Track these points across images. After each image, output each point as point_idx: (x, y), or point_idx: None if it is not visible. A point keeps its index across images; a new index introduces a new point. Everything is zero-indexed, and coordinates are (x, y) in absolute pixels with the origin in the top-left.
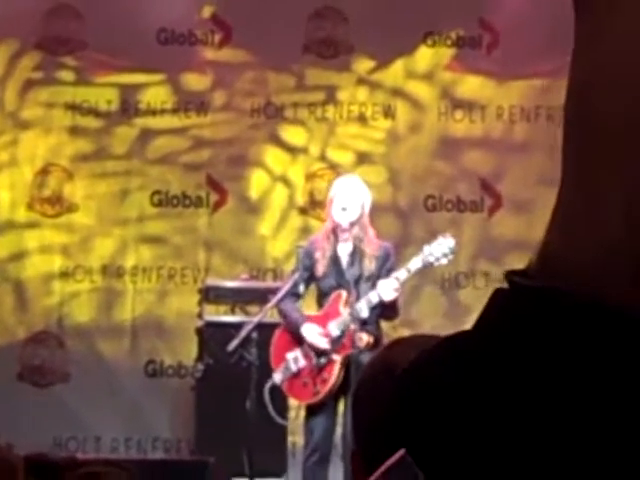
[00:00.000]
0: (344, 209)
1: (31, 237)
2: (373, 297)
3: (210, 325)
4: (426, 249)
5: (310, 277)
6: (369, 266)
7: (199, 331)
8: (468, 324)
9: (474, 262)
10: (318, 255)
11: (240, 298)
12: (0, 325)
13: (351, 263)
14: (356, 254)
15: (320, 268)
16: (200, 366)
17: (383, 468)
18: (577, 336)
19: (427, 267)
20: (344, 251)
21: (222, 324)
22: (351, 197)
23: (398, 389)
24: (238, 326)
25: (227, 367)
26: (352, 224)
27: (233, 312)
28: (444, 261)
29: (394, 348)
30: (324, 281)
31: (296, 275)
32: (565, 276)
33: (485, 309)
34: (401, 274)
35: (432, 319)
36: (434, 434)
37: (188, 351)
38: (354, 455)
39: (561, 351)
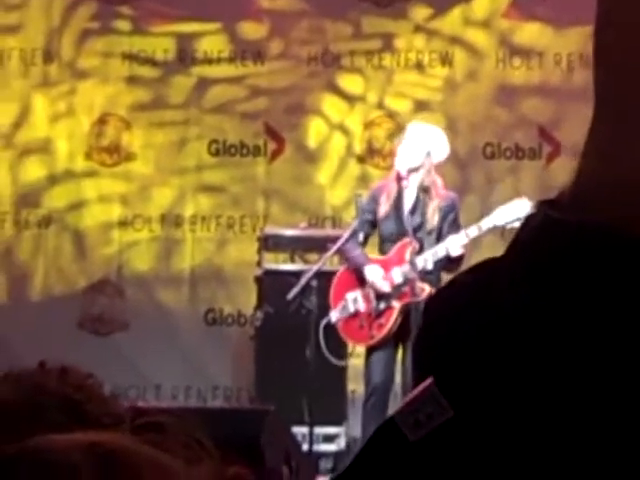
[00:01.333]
0: (404, 155)
1: (89, 186)
2: (440, 250)
3: (269, 273)
4: (500, 210)
5: (373, 222)
6: (432, 216)
7: (258, 280)
8: None
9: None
10: (382, 199)
11: (299, 246)
12: (60, 274)
13: (412, 211)
14: (419, 202)
15: (382, 212)
16: (259, 314)
17: (409, 397)
18: (608, 271)
19: (498, 229)
20: (408, 198)
21: (281, 272)
22: (413, 144)
23: (426, 318)
24: (297, 274)
25: (286, 315)
26: (410, 171)
27: (292, 260)
28: (517, 224)
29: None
30: (384, 225)
31: (355, 222)
32: (597, 209)
33: (515, 240)
34: (472, 231)
35: None
36: (462, 364)
37: (247, 299)
38: None
39: (593, 287)
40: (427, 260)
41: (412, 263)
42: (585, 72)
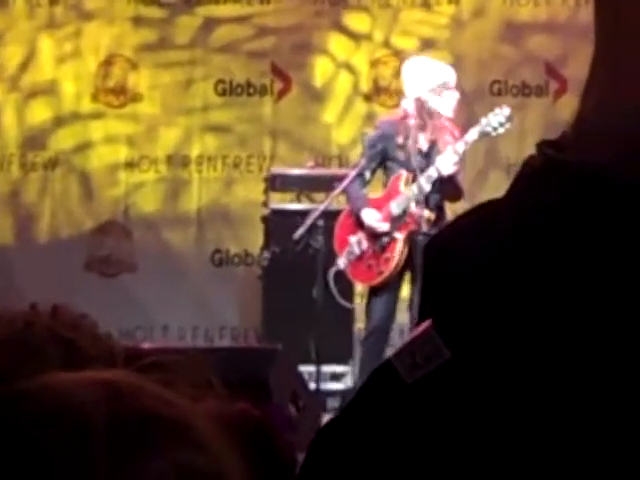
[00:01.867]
0: (407, 93)
1: (96, 128)
2: (432, 172)
3: (276, 213)
4: (483, 120)
5: (382, 157)
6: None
7: (265, 219)
8: None
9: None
10: (398, 139)
11: (306, 186)
12: (67, 216)
13: (427, 152)
14: (435, 145)
15: (393, 150)
16: (266, 254)
17: (407, 339)
18: (605, 211)
19: (484, 136)
20: (423, 140)
21: (288, 212)
22: (414, 81)
23: (427, 258)
24: (304, 214)
25: (293, 255)
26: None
27: (299, 200)
28: (501, 130)
29: (458, 220)
30: (394, 165)
31: (363, 161)
32: (596, 150)
33: (516, 180)
34: (459, 146)
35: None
36: (461, 306)
37: (254, 239)
38: None
39: (591, 225)
40: (422, 184)
41: (410, 192)
42: (591, 8)
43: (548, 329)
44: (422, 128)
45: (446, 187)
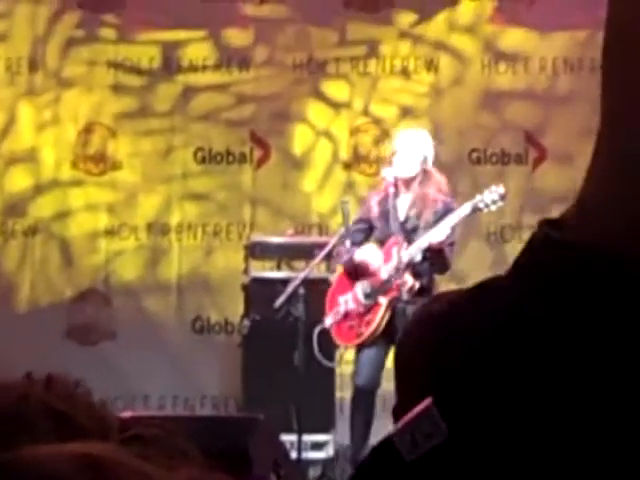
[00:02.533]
0: (403, 164)
1: (76, 195)
2: (423, 242)
3: (256, 281)
4: (478, 196)
5: (369, 228)
6: (426, 217)
7: (245, 287)
8: None
9: (519, 215)
10: (375, 206)
11: (286, 254)
12: (47, 283)
13: (408, 216)
14: (415, 206)
15: (376, 218)
16: (247, 322)
17: (408, 416)
18: (606, 293)
19: (476, 212)
20: (403, 203)
21: (268, 280)
22: (408, 153)
23: (430, 335)
24: (284, 282)
25: (274, 323)
26: (411, 179)
27: (279, 268)
28: (493, 207)
29: (440, 299)
30: (380, 230)
31: (341, 230)
32: (596, 231)
33: (518, 259)
34: (451, 219)
35: (478, 272)
36: (463, 385)
37: (234, 307)
38: (394, 411)
39: (591, 307)
40: (412, 254)
41: (400, 260)
42: (570, 77)
43: (542, 411)
44: (404, 192)
45: (434, 258)
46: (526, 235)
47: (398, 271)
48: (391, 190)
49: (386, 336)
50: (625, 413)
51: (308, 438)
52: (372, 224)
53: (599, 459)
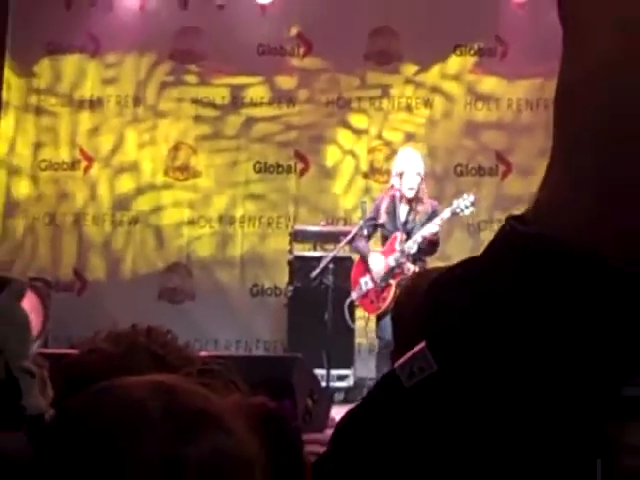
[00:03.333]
0: (409, 182)
1: (166, 195)
2: (418, 238)
3: (298, 258)
4: (454, 202)
5: (376, 225)
6: (420, 219)
7: (290, 263)
8: None
9: (491, 212)
10: (383, 210)
11: (320, 238)
12: (144, 259)
13: (407, 218)
14: (412, 212)
15: (384, 219)
16: (291, 288)
17: (407, 355)
18: (557, 270)
19: (454, 216)
20: (404, 210)
21: (307, 258)
22: (414, 171)
23: (426, 299)
24: (318, 259)
25: (311, 289)
26: (410, 189)
27: (315, 249)
28: (467, 212)
29: (422, 275)
30: (386, 229)
31: (361, 222)
32: (549, 225)
33: (491, 244)
34: (437, 221)
35: (460, 255)
36: (448, 333)
37: (282, 277)
38: (392, 353)
39: (548, 280)
40: (410, 247)
41: (402, 250)
42: (530, 113)
43: (503, 356)
44: (403, 201)
45: (427, 247)
46: (496, 227)
47: (402, 259)
48: (397, 194)
49: None
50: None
51: (334, 372)
52: (379, 222)
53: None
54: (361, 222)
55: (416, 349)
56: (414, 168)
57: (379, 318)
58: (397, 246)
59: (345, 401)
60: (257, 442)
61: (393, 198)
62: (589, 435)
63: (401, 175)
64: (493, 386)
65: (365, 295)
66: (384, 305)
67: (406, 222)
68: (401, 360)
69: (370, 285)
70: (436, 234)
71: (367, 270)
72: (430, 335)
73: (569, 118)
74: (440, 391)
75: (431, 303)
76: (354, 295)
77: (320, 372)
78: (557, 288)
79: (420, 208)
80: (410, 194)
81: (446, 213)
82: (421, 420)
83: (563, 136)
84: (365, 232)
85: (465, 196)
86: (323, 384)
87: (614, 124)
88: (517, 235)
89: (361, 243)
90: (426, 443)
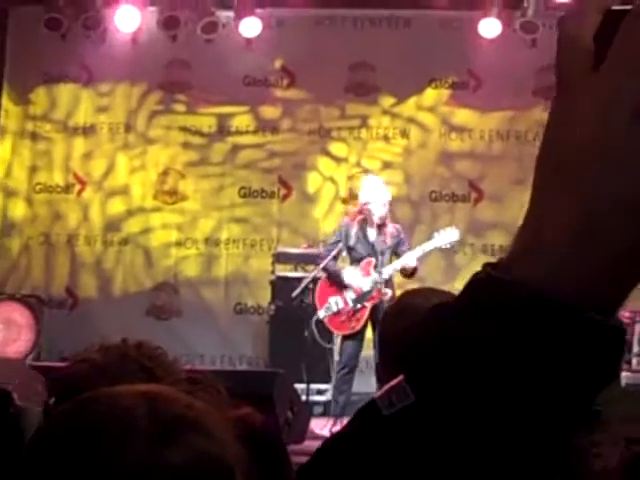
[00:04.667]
0: (377, 211)
1: (155, 218)
2: (397, 265)
3: (280, 278)
4: (438, 237)
5: (345, 247)
6: (388, 242)
7: (272, 283)
8: (459, 280)
9: (464, 236)
10: (354, 234)
11: (301, 260)
12: (134, 278)
13: (376, 241)
14: (380, 235)
15: (353, 242)
16: (272, 307)
17: (386, 386)
18: (527, 321)
19: (436, 249)
20: (372, 233)
21: (288, 278)
22: (381, 202)
23: (406, 336)
24: (299, 279)
25: (291, 308)
26: (382, 219)
27: (296, 270)
28: (448, 245)
29: (407, 295)
30: (356, 252)
31: (340, 245)
32: (521, 273)
33: (466, 289)
34: (417, 252)
35: (435, 275)
36: (424, 368)
37: (264, 296)
38: (377, 365)
39: (513, 331)
40: (387, 272)
41: (379, 273)
42: (501, 144)
43: (476, 395)
44: (373, 225)
45: (407, 273)
46: (468, 250)
47: (377, 284)
48: (363, 224)
49: (365, 326)
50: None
51: (313, 386)
52: (348, 245)
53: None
54: (339, 245)
55: (395, 381)
56: (381, 199)
57: (344, 338)
58: (372, 270)
59: (324, 414)
60: (239, 448)
61: (361, 223)
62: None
63: (367, 204)
64: (465, 419)
65: (336, 314)
66: (358, 325)
67: (374, 245)
68: (380, 391)
69: (341, 305)
70: (415, 264)
71: (339, 290)
72: (408, 370)
73: (547, 178)
74: (418, 419)
75: (409, 339)
76: (321, 314)
77: (300, 386)
78: (525, 334)
79: (387, 230)
80: (379, 222)
81: (429, 245)
82: (398, 447)
83: (539, 195)
84: (331, 254)
85: (449, 230)
86: (303, 397)
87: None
88: (491, 280)
89: (333, 265)
90: (403, 469)
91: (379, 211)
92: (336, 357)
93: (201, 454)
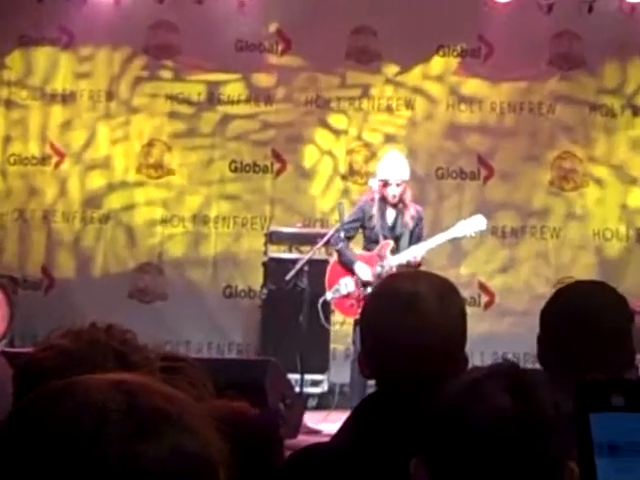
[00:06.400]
0: (394, 189)
1: (139, 193)
2: (407, 255)
3: (273, 260)
4: (461, 224)
5: (361, 226)
6: (408, 224)
7: (264, 264)
8: (465, 265)
9: (472, 216)
10: (374, 213)
11: (295, 240)
12: (116, 258)
13: (395, 222)
14: (399, 216)
15: (373, 222)
16: (265, 290)
17: None
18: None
19: (458, 239)
20: (391, 213)
21: (282, 259)
22: (400, 179)
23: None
24: (293, 261)
25: (285, 291)
26: (396, 197)
27: (290, 251)
28: (473, 234)
29: (390, 277)
30: (373, 232)
31: (338, 225)
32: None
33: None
34: (438, 240)
35: (440, 259)
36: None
37: (256, 279)
38: (358, 356)
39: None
40: (399, 260)
41: (391, 259)
42: (513, 116)
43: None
44: (392, 205)
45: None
46: (475, 233)
47: (388, 268)
48: (376, 196)
49: None
50: None
51: (308, 377)
52: (364, 225)
53: None
54: (338, 225)
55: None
56: (400, 176)
57: (357, 323)
58: (388, 254)
59: (318, 407)
60: (224, 445)
61: (380, 201)
62: None
63: (385, 182)
64: None
65: (345, 297)
66: None
67: (394, 227)
68: None
69: (351, 288)
70: (423, 257)
71: (350, 272)
72: None
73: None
74: None
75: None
76: (329, 295)
77: (294, 377)
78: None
79: (406, 212)
80: (393, 201)
81: (452, 234)
82: None
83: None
84: (342, 235)
85: (476, 217)
86: (297, 389)
87: None
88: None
89: (345, 249)
90: None
91: (392, 190)
92: (333, 345)
93: (180, 449)
